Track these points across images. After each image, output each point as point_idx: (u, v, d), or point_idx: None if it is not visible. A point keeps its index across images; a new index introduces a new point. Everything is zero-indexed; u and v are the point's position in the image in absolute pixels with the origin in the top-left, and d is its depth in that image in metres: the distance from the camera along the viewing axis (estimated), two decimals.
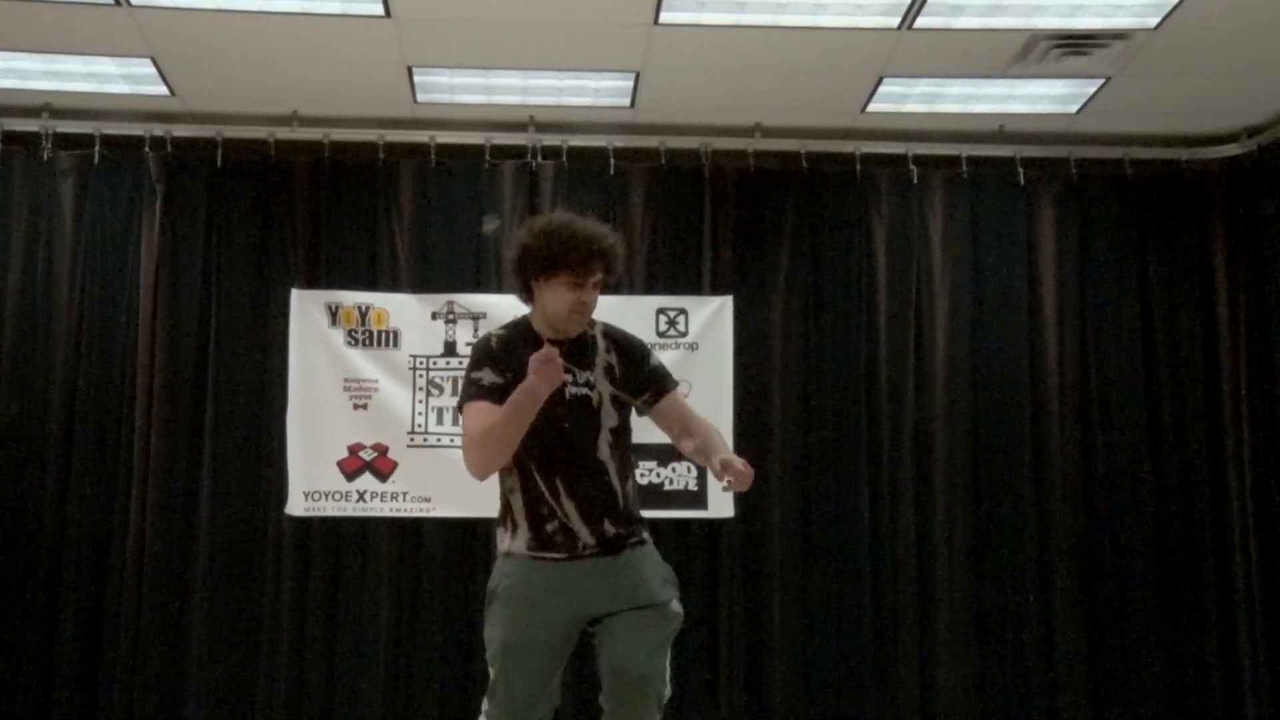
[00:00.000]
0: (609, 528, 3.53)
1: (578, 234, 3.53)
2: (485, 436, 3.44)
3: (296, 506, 6.41)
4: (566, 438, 3.52)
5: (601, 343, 3.67)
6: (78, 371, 6.50)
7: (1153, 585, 6.68)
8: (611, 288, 3.84)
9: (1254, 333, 6.79)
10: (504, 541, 3.62)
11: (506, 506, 3.62)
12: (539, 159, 6.75)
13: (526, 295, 3.64)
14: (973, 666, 6.59)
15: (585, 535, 3.51)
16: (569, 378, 3.54)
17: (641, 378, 3.67)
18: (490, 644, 3.58)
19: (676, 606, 3.57)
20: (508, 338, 3.61)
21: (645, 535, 3.65)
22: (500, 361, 3.52)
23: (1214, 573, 6.69)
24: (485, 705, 3.61)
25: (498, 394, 3.47)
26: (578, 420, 3.55)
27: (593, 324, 3.67)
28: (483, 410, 3.48)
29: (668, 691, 3.53)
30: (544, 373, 3.31)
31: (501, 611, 3.55)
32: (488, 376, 3.51)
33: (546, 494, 3.52)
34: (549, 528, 3.52)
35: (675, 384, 3.73)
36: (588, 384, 3.59)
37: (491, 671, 3.57)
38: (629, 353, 3.69)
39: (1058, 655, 6.61)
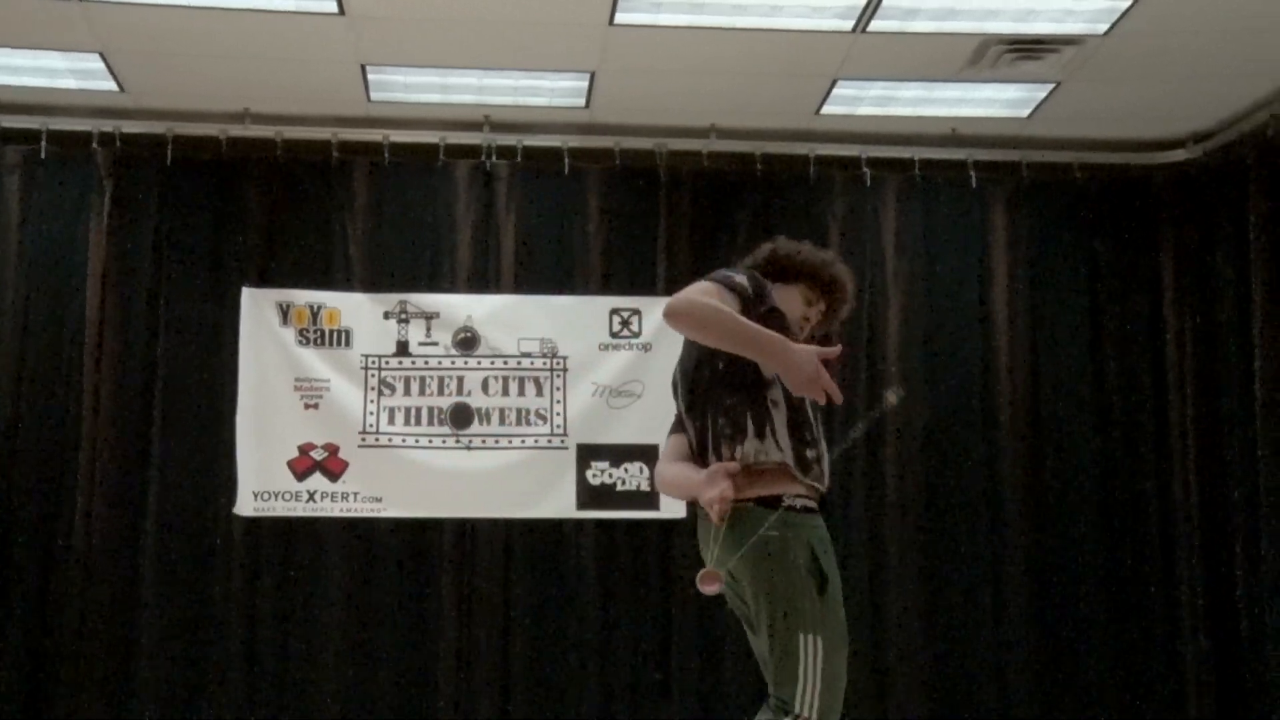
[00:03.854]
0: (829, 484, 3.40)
1: (847, 282, 3.57)
2: (718, 322, 3.17)
3: (246, 506, 6.36)
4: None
5: None
6: (24, 368, 6.42)
7: (1100, 581, 6.74)
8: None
9: (1200, 333, 6.86)
10: (750, 453, 3.25)
11: (763, 417, 3.29)
12: (494, 159, 6.73)
13: (776, 275, 3.52)
14: (923, 663, 6.62)
15: (824, 482, 3.33)
16: None
17: None
18: (806, 604, 3.10)
19: None
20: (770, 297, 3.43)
21: None
22: (756, 296, 3.34)
23: (1160, 570, 6.76)
24: (800, 696, 3.05)
25: (741, 297, 3.30)
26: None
27: None
28: (724, 300, 3.26)
29: None
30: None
31: (808, 561, 3.12)
32: (745, 282, 3.34)
33: (812, 421, 3.36)
34: (810, 454, 3.30)
35: None
36: None
37: (805, 642, 3.07)
38: None
39: (1008, 652, 6.65)
